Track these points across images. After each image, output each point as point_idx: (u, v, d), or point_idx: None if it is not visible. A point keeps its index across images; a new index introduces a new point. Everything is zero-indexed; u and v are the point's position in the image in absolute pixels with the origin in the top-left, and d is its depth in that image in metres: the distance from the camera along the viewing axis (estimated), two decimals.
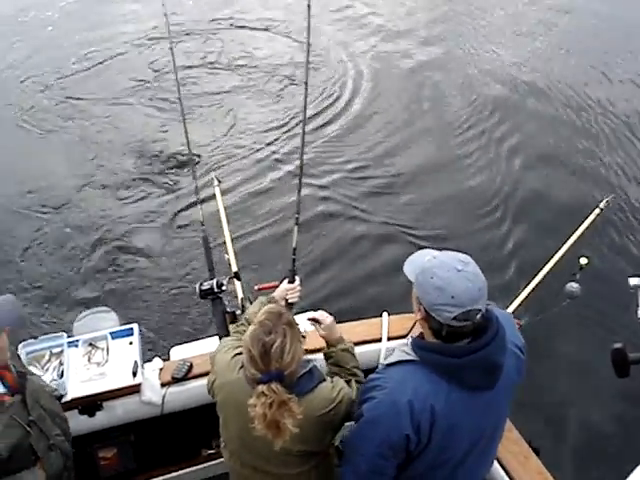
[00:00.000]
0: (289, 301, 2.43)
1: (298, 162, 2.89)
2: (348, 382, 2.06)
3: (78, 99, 7.31)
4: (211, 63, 7.97)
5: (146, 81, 7.57)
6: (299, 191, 2.79)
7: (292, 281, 2.49)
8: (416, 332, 2.68)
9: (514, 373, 1.85)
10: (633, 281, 2.55)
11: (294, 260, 2.61)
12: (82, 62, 8.00)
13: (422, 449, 1.77)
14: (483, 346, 1.69)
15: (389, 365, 1.81)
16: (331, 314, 2.26)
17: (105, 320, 3.05)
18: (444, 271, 1.68)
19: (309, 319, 2.24)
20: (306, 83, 2.85)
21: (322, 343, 2.29)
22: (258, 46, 8.33)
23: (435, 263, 1.72)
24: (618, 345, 2.22)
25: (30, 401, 1.98)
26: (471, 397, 1.75)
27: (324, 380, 1.96)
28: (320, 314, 2.24)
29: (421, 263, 1.75)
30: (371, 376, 1.86)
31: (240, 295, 2.97)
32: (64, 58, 8.07)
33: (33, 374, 2.15)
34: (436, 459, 1.81)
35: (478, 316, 1.67)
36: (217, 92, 7.41)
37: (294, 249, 2.66)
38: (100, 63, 7.98)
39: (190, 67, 7.78)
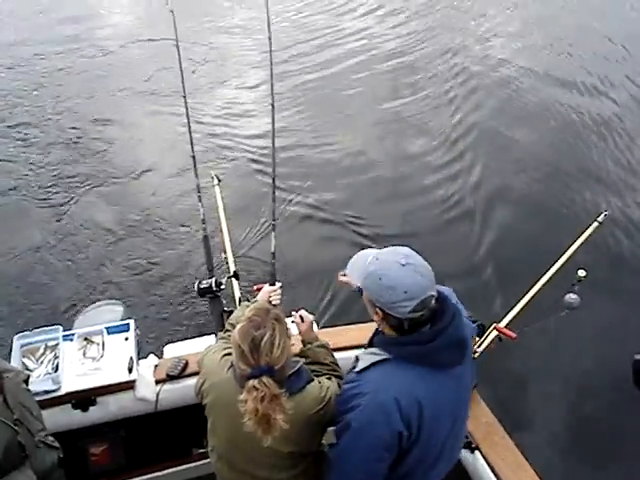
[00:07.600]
0: (272, 303, 2.45)
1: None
2: (329, 379, 2.04)
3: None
4: None
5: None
6: (273, 199, 2.89)
7: (273, 284, 2.58)
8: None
9: (470, 341, 1.94)
10: None
11: (274, 264, 2.75)
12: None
13: (412, 442, 1.77)
14: (449, 323, 1.73)
15: (361, 371, 1.80)
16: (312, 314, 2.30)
17: (111, 312, 3.14)
18: (390, 270, 1.71)
19: (295, 316, 2.28)
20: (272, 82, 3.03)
21: None
22: None
23: (379, 265, 1.74)
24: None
25: (11, 400, 1.92)
26: (445, 376, 1.79)
27: (312, 380, 1.95)
28: (304, 312, 2.29)
29: (364, 267, 1.78)
30: (345, 387, 1.84)
31: (238, 295, 2.98)
32: None
33: (7, 370, 2.05)
34: (425, 449, 1.81)
35: (433, 301, 1.72)
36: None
37: (273, 253, 2.79)
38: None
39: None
